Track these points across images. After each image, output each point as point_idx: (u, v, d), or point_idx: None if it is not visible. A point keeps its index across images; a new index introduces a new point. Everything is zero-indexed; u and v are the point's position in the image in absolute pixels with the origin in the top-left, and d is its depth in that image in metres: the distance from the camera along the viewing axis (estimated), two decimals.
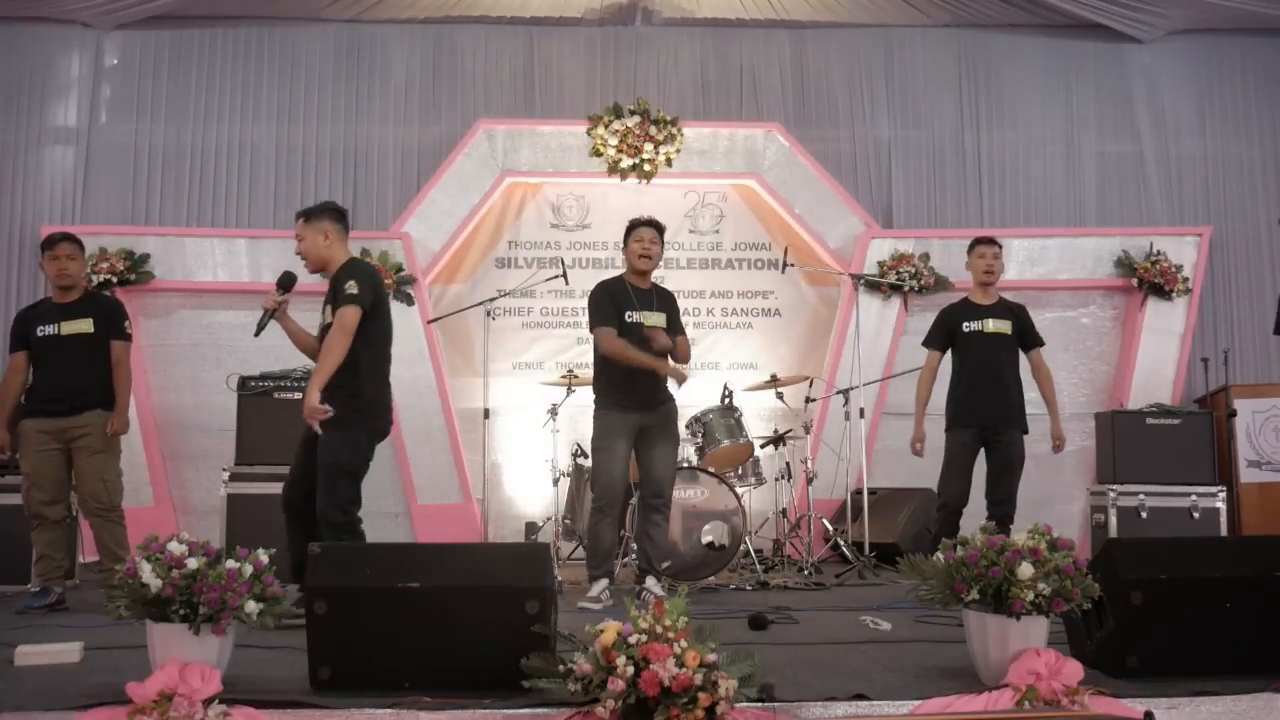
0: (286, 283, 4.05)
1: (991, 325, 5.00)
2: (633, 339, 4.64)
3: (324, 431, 3.80)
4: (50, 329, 4.58)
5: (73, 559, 5.10)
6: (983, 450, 4.95)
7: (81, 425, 4.53)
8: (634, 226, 4.78)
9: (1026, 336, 5.11)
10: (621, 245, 4.87)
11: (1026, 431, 4.98)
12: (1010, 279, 7.41)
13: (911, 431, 5.18)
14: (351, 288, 3.87)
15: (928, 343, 5.22)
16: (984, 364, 4.97)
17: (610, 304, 4.68)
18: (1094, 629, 2.91)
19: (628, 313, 4.69)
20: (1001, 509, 4.80)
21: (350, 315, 3.85)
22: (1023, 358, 5.15)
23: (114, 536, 4.58)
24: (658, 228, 4.80)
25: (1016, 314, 5.10)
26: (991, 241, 5.11)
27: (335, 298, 3.91)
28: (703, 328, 7.52)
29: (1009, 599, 2.64)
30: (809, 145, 7.60)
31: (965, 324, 5.04)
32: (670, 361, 4.70)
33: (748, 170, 7.53)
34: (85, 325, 4.59)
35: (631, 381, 4.66)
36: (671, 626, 2.39)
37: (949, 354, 5.15)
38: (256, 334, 4.04)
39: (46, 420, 4.53)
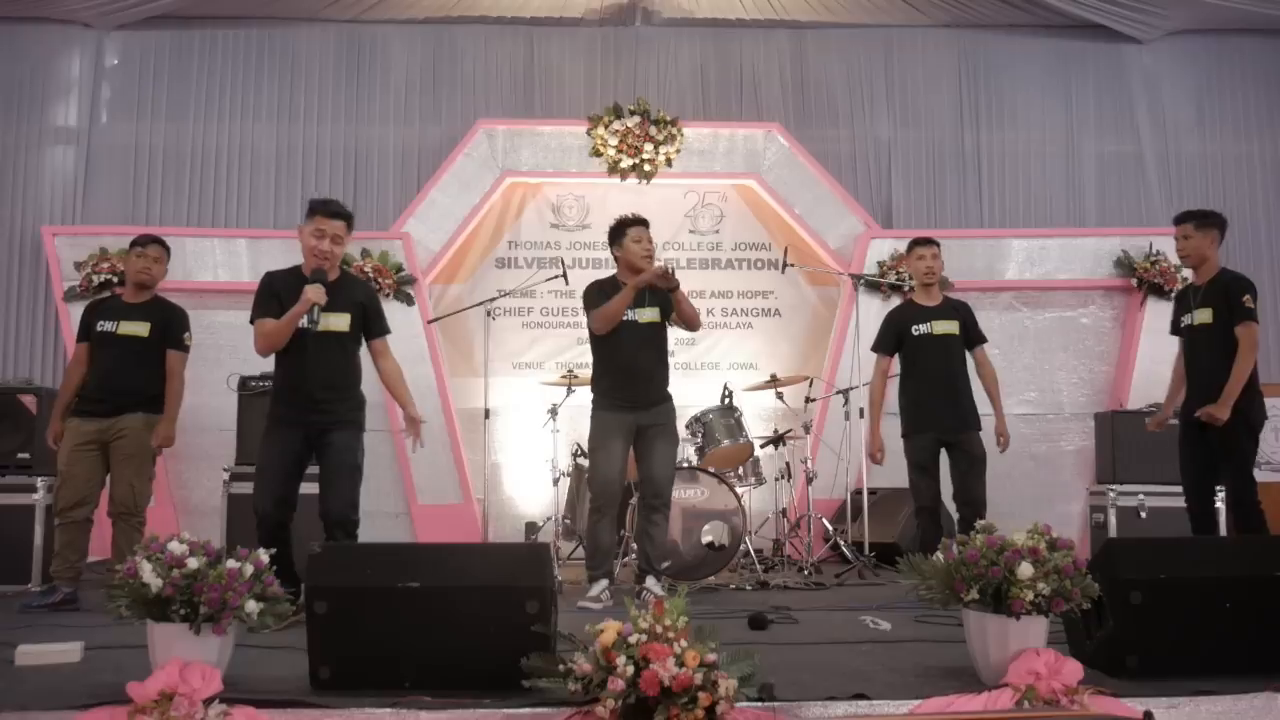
0: (322, 277, 3.97)
1: (940, 327, 4.96)
2: (628, 336, 4.64)
3: (347, 433, 3.97)
4: (109, 326, 4.60)
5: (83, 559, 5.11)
6: (944, 452, 4.90)
7: (121, 428, 4.53)
8: (628, 225, 4.73)
9: (970, 335, 5.03)
10: (611, 244, 4.79)
11: (980, 428, 4.92)
12: (1010, 279, 7.46)
13: (867, 441, 5.13)
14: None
15: (877, 347, 5.16)
16: (935, 367, 4.94)
17: (604, 300, 4.68)
18: (1094, 629, 2.91)
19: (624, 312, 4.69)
20: (971, 509, 4.73)
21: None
22: None
23: (129, 542, 4.54)
24: (647, 225, 4.80)
25: (961, 312, 5.06)
26: (929, 242, 5.07)
27: (378, 322, 4.18)
28: (703, 328, 7.50)
29: (1009, 599, 2.64)
30: (809, 145, 7.60)
31: (914, 327, 4.99)
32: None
33: (748, 170, 7.53)
34: (142, 329, 4.59)
35: (627, 380, 4.66)
36: (671, 626, 2.39)
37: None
38: (311, 328, 3.92)
39: (89, 420, 4.54)
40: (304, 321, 3.92)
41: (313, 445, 4.01)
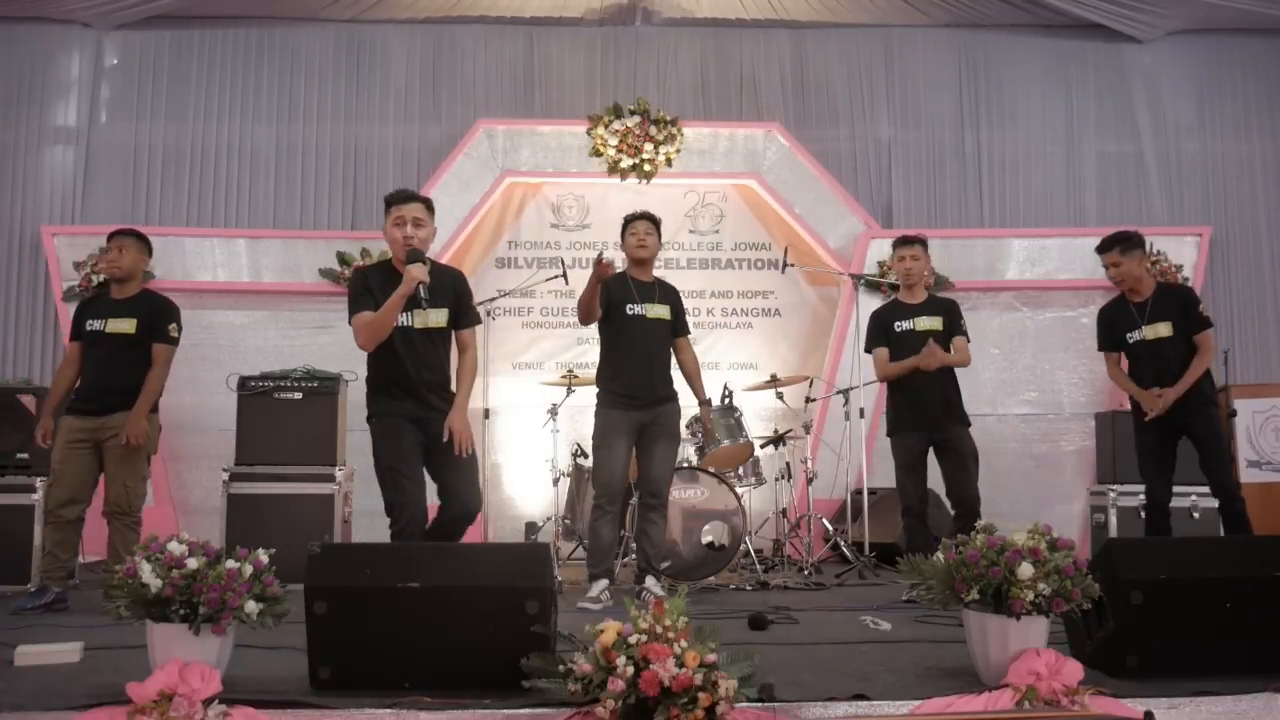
0: (421, 257, 3.76)
1: (922, 323, 4.94)
2: (636, 331, 4.66)
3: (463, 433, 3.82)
4: (98, 324, 4.57)
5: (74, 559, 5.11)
6: (932, 451, 4.88)
7: (112, 427, 4.50)
8: (630, 220, 4.85)
9: (953, 328, 4.98)
10: (620, 242, 4.90)
11: (969, 424, 4.91)
12: (1010, 279, 7.46)
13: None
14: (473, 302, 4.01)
15: (869, 347, 5.12)
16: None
17: (607, 297, 4.69)
18: (1094, 629, 2.91)
19: (628, 305, 4.70)
20: (965, 508, 4.71)
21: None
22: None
23: (124, 541, 4.55)
24: (653, 220, 4.84)
25: (946, 309, 5.04)
26: (910, 242, 5.02)
27: (466, 311, 3.97)
28: (703, 328, 7.52)
29: (1009, 599, 2.64)
30: (809, 145, 7.60)
31: (897, 323, 4.99)
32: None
33: (748, 170, 7.53)
34: (129, 325, 4.55)
35: (631, 377, 4.67)
36: (671, 626, 2.39)
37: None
38: (419, 307, 3.76)
39: (82, 419, 4.52)
40: (403, 318, 3.75)
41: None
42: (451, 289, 3.92)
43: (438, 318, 3.84)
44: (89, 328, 4.58)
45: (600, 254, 4.47)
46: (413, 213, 3.78)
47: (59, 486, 4.50)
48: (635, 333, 4.68)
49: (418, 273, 3.68)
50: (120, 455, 4.52)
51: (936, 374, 4.83)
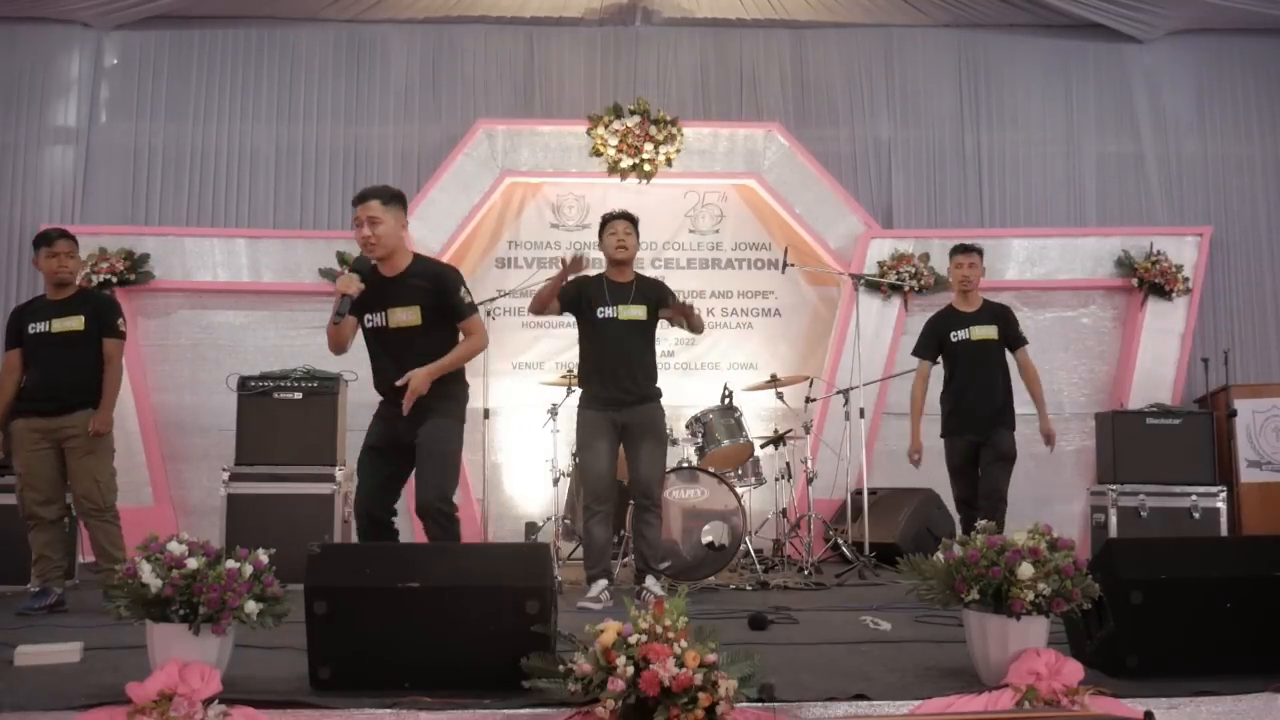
0: (364, 268, 3.79)
1: (978, 333, 5.09)
2: (608, 334, 4.67)
3: (444, 420, 3.77)
4: (42, 326, 4.55)
5: (72, 559, 5.10)
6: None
7: (72, 425, 4.49)
8: (607, 220, 4.83)
9: (1011, 338, 5.16)
10: (598, 242, 4.88)
11: (1014, 428, 5.08)
12: (1010, 279, 7.45)
13: (909, 442, 5.25)
14: (469, 297, 3.88)
15: (918, 352, 5.28)
16: (973, 373, 5.07)
17: (579, 298, 4.70)
18: (1094, 629, 2.91)
19: (600, 309, 4.70)
20: (990, 502, 4.85)
21: (481, 324, 3.91)
22: None
23: (108, 537, 4.56)
24: (631, 219, 4.83)
25: (1000, 317, 5.17)
26: (968, 250, 5.16)
27: (452, 305, 3.81)
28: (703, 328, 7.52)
29: (1009, 599, 2.64)
30: (809, 145, 7.60)
31: (953, 333, 5.12)
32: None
33: (748, 170, 7.53)
34: (76, 323, 4.54)
35: (607, 378, 4.68)
36: (671, 626, 2.39)
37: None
38: (337, 321, 3.71)
39: (37, 420, 4.50)
40: (375, 318, 3.77)
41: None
42: (429, 287, 3.81)
43: (409, 316, 3.80)
44: (32, 330, 4.56)
45: (581, 255, 4.49)
46: (367, 212, 3.77)
47: (32, 489, 4.49)
48: (607, 335, 4.69)
49: (342, 284, 3.70)
50: (85, 451, 4.50)
51: (987, 382, 5.01)
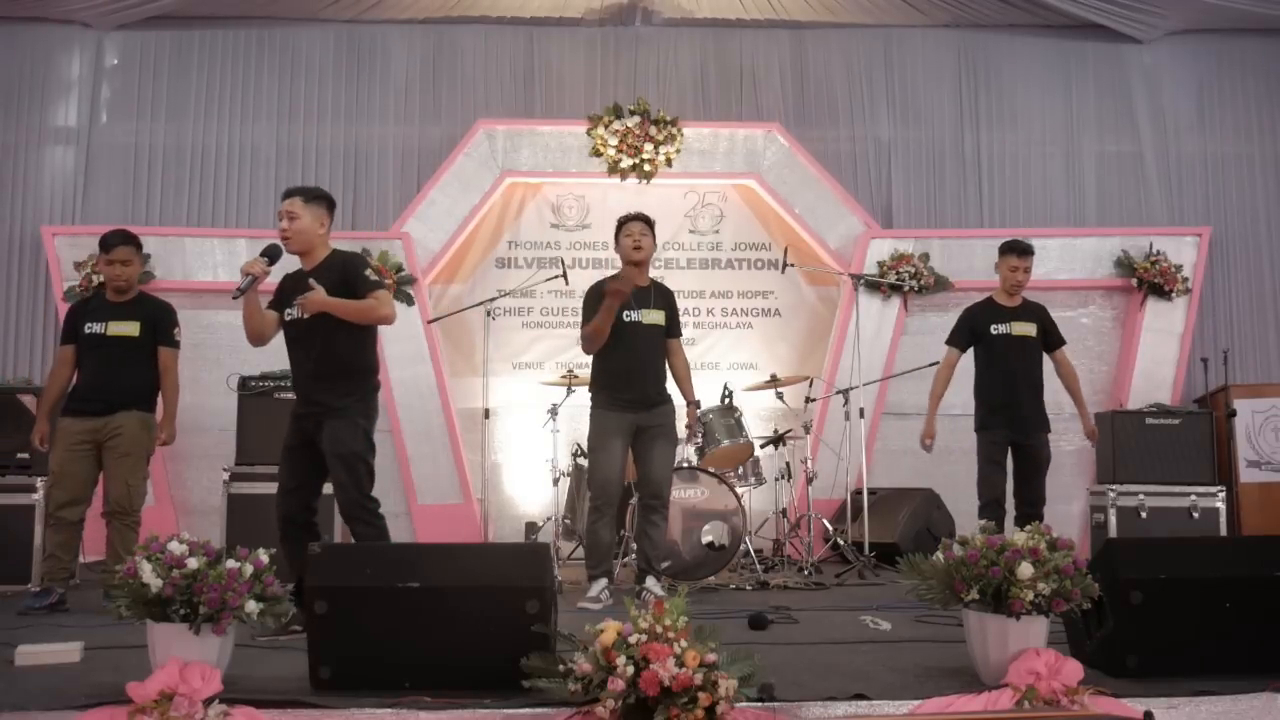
0: (274, 254, 3.83)
1: (1018, 328, 5.09)
2: (634, 337, 4.66)
3: (341, 421, 3.75)
4: (98, 327, 4.57)
5: (74, 560, 5.11)
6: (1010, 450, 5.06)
7: (115, 426, 4.51)
8: (623, 222, 4.83)
9: (1050, 337, 5.19)
10: (614, 244, 4.89)
11: (1049, 431, 5.13)
12: None
13: (922, 426, 5.25)
14: (375, 275, 3.88)
15: (951, 340, 5.26)
16: (1014, 368, 5.05)
17: (599, 301, 4.68)
18: (1094, 629, 2.91)
19: (625, 312, 4.69)
20: (1032, 509, 4.95)
21: (389, 298, 3.87)
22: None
23: (124, 541, 4.55)
24: (647, 221, 4.83)
25: (1039, 315, 5.19)
26: (1025, 254, 5.14)
27: (356, 283, 3.79)
28: (703, 328, 7.53)
29: (1009, 599, 2.64)
30: (809, 145, 7.60)
31: (993, 326, 5.11)
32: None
33: (748, 170, 7.53)
34: (132, 328, 4.57)
35: (628, 381, 4.67)
36: (671, 626, 2.39)
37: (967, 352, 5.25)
38: (236, 296, 3.71)
39: (82, 420, 4.52)
40: (293, 311, 3.80)
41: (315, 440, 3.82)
42: (338, 276, 3.79)
43: (129, 328, 3.98)
44: (88, 330, 4.58)
45: (629, 286, 4.51)
46: (287, 208, 3.83)
47: (60, 489, 4.50)
48: (632, 339, 4.68)
49: (247, 264, 3.71)
50: (123, 453, 4.52)
51: (1026, 378, 5.04)
